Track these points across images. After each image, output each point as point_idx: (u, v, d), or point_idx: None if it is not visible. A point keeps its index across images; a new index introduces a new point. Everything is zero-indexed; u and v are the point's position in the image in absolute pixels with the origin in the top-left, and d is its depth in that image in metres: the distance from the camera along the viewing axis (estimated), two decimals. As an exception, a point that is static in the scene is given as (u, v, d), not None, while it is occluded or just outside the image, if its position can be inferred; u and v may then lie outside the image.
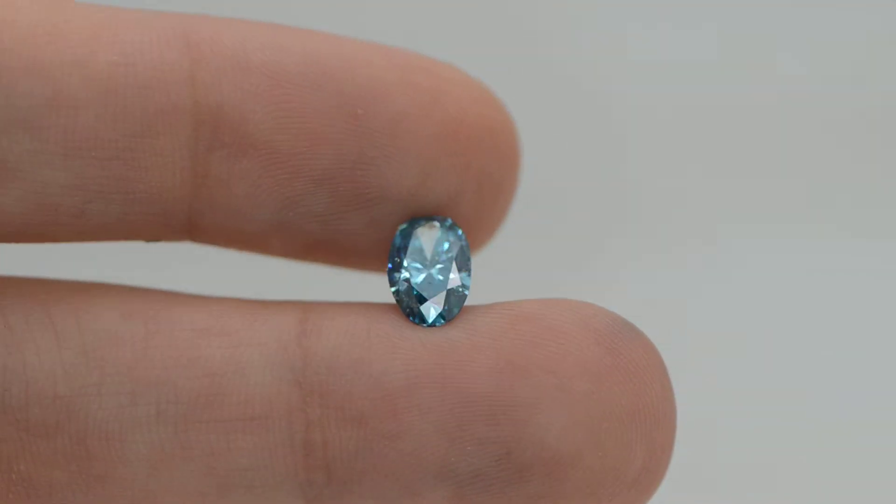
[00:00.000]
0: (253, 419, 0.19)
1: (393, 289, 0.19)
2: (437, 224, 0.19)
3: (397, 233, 0.19)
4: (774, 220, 0.38)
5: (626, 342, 0.19)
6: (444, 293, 0.19)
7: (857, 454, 0.35)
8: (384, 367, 0.19)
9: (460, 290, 0.19)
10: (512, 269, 0.28)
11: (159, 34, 0.18)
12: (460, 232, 0.19)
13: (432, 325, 0.19)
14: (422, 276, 0.19)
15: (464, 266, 0.19)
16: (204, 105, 0.18)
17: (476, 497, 0.19)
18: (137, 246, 0.20)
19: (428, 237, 0.19)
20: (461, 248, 0.19)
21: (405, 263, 0.19)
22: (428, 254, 0.19)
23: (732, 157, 0.39)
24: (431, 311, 0.19)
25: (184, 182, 0.18)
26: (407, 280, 0.19)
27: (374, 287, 0.21)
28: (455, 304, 0.19)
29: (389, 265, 0.19)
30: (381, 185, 0.19)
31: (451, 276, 0.19)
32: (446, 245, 0.19)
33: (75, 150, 0.17)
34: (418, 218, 0.19)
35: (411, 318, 0.19)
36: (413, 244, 0.19)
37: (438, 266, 0.19)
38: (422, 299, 0.19)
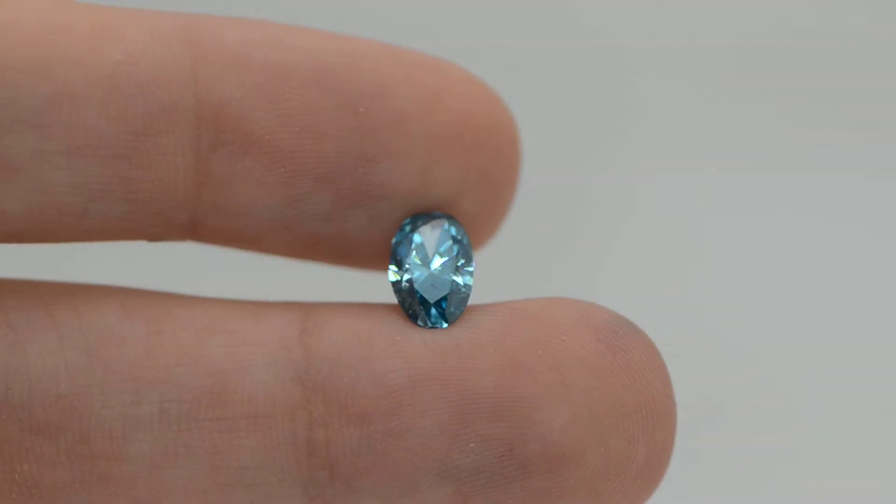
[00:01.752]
0: (256, 417, 0.19)
1: (395, 289, 0.19)
2: (438, 222, 0.19)
3: (399, 230, 0.19)
4: (777, 213, 0.39)
5: (625, 339, 0.19)
6: (447, 295, 0.19)
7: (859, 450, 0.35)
8: (386, 366, 0.19)
9: (462, 291, 0.19)
10: (512, 268, 0.28)
11: (162, 33, 0.18)
12: (462, 230, 0.19)
13: (434, 326, 0.19)
14: (424, 277, 0.19)
15: (466, 266, 0.19)
16: (206, 104, 0.18)
17: (478, 494, 0.19)
18: (140, 246, 0.19)
19: (430, 235, 0.19)
20: (463, 246, 0.19)
21: (407, 263, 0.19)
22: (430, 252, 0.19)
23: (732, 153, 0.39)
24: (433, 312, 0.19)
25: (186, 181, 0.18)
26: (409, 280, 0.19)
27: (375, 288, 0.21)
28: (457, 306, 0.19)
29: (391, 264, 0.19)
30: (383, 183, 0.19)
31: (454, 276, 0.19)
32: (448, 244, 0.19)
33: (78, 148, 0.17)
34: (420, 215, 0.19)
35: (414, 320, 0.19)
36: (415, 242, 0.19)
37: (440, 266, 0.19)
38: (424, 301, 0.19)
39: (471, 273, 0.19)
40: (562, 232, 0.37)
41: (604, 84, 0.39)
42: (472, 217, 0.20)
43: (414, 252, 0.19)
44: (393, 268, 0.19)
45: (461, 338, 0.19)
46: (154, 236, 0.19)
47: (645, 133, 0.39)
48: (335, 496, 0.19)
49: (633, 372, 0.19)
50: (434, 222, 0.19)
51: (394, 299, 0.19)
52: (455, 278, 0.19)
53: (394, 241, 0.19)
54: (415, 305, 0.19)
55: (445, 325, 0.19)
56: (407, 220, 0.19)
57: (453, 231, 0.19)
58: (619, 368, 0.19)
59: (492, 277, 0.22)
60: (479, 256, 0.20)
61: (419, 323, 0.19)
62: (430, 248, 0.19)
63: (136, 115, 0.17)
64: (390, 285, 0.19)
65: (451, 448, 0.19)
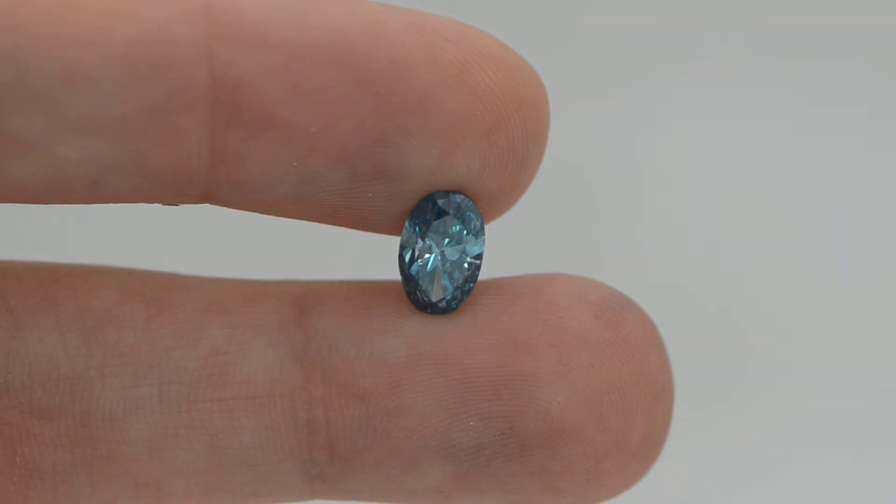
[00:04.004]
0: (255, 398, 0.19)
1: (401, 269, 0.19)
2: (454, 204, 0.19)
3: (413, 209, 0.19)
4: (779, 217, 0.39)
5: (624, 316, 0.19)
6: (453, 283, 0.19)
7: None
8: (385, 345, 0.19)
9: (469, 280, 0.19)
10: (512, 244, 0.28)
11: (178, 9, 0.17)
12: (477, 213, 0.19)
13: (435, 309, 0.19)
14: (433, 261, 0.19)
15: (475, 254, 0.19)
16: (222, 82, 0.17)
17: (478, 472, 0.19)
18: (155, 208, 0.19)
19: (443, 218, 0.19)
20: (475, 230, 0.19)
21: (417, 245, 0.19)
22: (441, 236, 0.19)
23: (738, 155, 0.39)
24: (437, 299, 0.19)
25: (200, 157, 0.18)
26: (417, 264, 0.19)
27: (378, 265, 0.21)
28: (462, 294, 0.19)
29: (401, 247, 0.19)
30: (402, 164, 0.18)
31: (462, 264, 0.19)
32: (460, 228, 0.19)
33: (90, 126, 0.17)
34: (437, 192, 0.19)
35: (414, 301, 0.19)
36: (428, 224, 0.19)
37: (450, 251, 0.19)
38: (429, 286, 0.19)
39: (480, 260, 0.19)
40: (562, 208, 0.37)
41: (607, 59, 0.39)
42: (493, 192, 0.19)
43: (425, 234, 0.19)
44: (402, 248, 0.19)
45: (459, 316, 0.19)
46: (168, 202, 0.19)
47: (648, 107, 0.39)
48: (335, 475, 0.19)
49: (631, 348, 0.19)
50: (449, 203, 0.19)
51: (395, 271, 0.19)
52: (464, 263, 0.19)
53: (408, 219, 0.19)
54: (418, 288, 0.19)
55: (447, 309, 0.19)
56: (424, 198, 0.19)
57: (468, 214, 0.19)
58: (617, 345, 0.19)
59: (492, 253, 0.21)
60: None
61: (419, 306, 0.19)
62: (442, 230, 0.19)
63: (150, 94, 0.17)
64: (396, 266, 0.19)
65: (450, 426, 0.19)
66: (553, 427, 0.19)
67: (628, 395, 0.19)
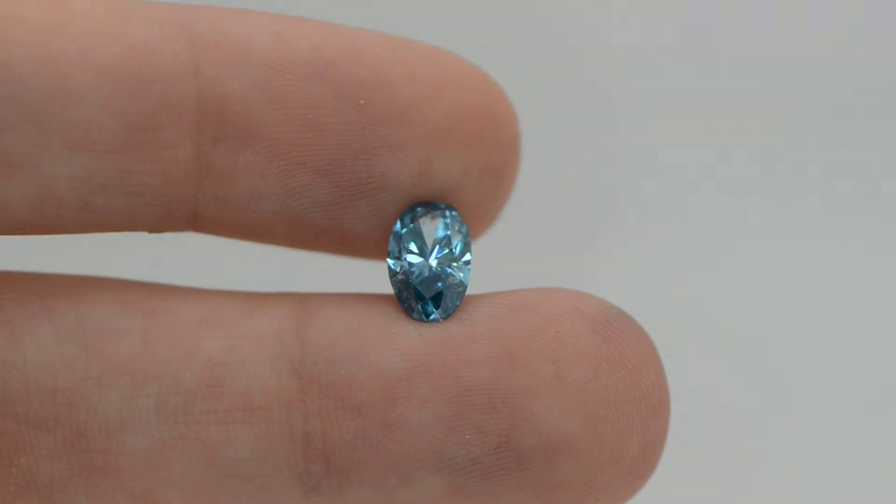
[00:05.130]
0: (252, 410, 0.19)
1: (392, 281, 0.19)
2: (438, 213, 0.19)
3: (399, 220, 0.19)
4: (775, 216, 0.39)
5: (620, 330, 0.19)
6: (443, 289, 0.19)
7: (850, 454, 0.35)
8: (382, 358, 0.19)
9: (460, 284, 0.19)
10: (507, 258, 0.28)
11: (164, 27, 0.18)
12: (461, 222, 0.19)
13: (429, 319, 0.19)
14: (421, 270, 0.19)
15: (464, 259, 0.19)
16: (208, 98, 0.18)
17: (474, 485, 0.19)
18: (141, 237, 0.20)
19: (429, 227, 0.19)
20: (462, 239, 0.19)
21: (405, 255, 0.19)
22: (428, 244, 0.19)
23: (731, 148, 0.39)
24: (429, 305, 0.19)
25: (188, 174, 0.18)
26: (406, 273, 0.19)
27: (372, 279, 0.21)
28: (454, 300, 0.19)
29: (389, 258, 0.19)
30: (384, 175, 0.19)
31: (451, 270, 0.19)
32: (447, 236, 0.19)
33: (80, 143, 0.17)
34: (421, 204, 0.19)
35: (409, 313, 0.19)
36: (413, 234, 0.19)
37: (438, 259, 0.19)
38: (420, 294, 0.19)
39: (468, 266, 0.19)
40: (557, 220, 0.37)
41: (602, 73, 0.39)
42: (473, 206, 0.20)
43: (412, 244, 0.19)
44: (391, 260, 0.19)
45: (456, 329, 0.19)
46: (155, 227, 0.19)
47: (642, 122, 0.39)
48: (331, 488, 0.19)
49: (628, 363, 0.19)
50: (434, 213, 0.19)
51: (389, 287, 0.20)
52: (452, 272, 0.19)
53: (393, 230, 0.19)
54: (410, 298, 0.19)
55: (440, 318, 0.19)
56: (408, 210, 0.19)
57: (453, 223, 0.19)
58: (613, 360, 0.19)
59: (487, 266, 0.22)
60: (475, 245, 0.20)
61: (414, 316, 0.19)
62: (428, 240, 0.19)
63: (138, 109, 0.17)
64: (388, 276, 0.19)
65: (446, 440, 0.19)
66: (549, 441, 0.19)
67: (624, 410, 0.19)
